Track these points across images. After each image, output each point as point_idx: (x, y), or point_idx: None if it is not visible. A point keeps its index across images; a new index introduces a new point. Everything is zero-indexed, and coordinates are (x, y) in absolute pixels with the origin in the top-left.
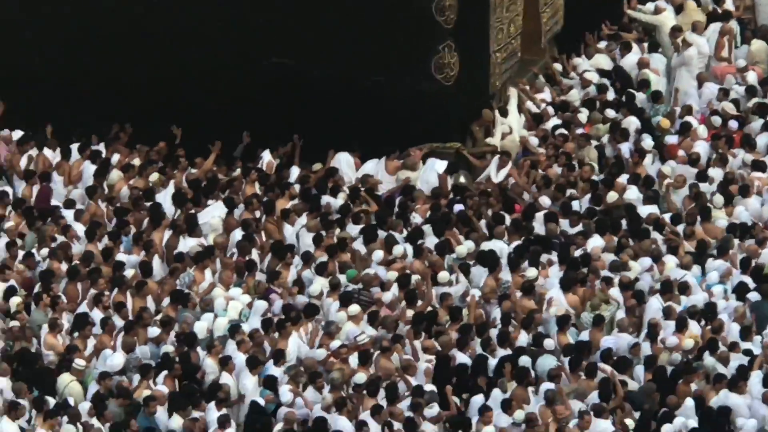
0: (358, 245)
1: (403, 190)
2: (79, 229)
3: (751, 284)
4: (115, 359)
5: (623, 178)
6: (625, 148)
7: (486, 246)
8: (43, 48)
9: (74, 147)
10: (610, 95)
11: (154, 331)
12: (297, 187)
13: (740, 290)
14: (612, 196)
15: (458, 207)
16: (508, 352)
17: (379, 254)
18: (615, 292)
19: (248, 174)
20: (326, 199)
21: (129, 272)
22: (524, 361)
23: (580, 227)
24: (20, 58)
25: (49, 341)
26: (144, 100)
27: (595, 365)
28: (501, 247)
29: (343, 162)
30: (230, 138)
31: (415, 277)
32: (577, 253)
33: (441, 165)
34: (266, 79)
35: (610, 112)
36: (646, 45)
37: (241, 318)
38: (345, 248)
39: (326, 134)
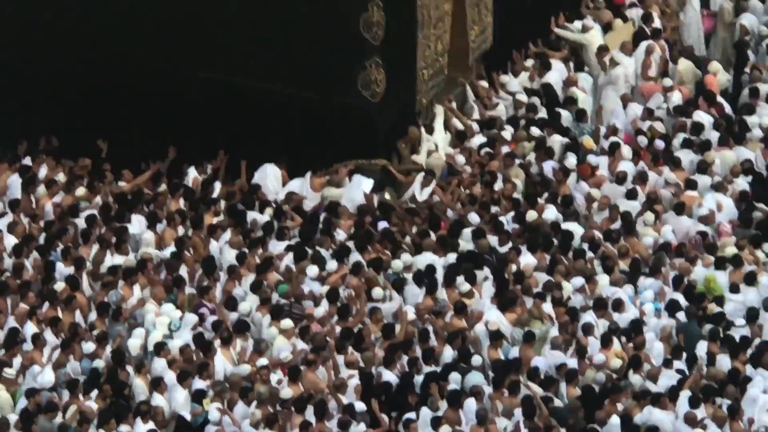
0: (287, 261)
1: (327, 207)
2: (9, 242)
3: (683, 302)
4: (46, 377)
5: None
6: (548, 166)
7: (418, 261)
8: None
9: None
10: (541, 114)
11: (89, 346)
12: (222, 203)
13: (672, 308)
14: (532, 215)
15: (382, 224)
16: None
17: (314, 269)
18: (547, 308)
19: (175, 189)
20: (252, 215)
21: (58, 286)
22: (454, 378)
23: (509, 245)
24: None
25: None
26: (70, 113)
27: (518, 382)
28: (432, 260)
29: (270, 174)
30: (156, 152)
31: (346, 292)
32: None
33: (368, 184)
34: (194, 93)
35: (535, 131)
36: (572, 64)
37: (171, 328)
38: (270, 267)
39: (253, 149)
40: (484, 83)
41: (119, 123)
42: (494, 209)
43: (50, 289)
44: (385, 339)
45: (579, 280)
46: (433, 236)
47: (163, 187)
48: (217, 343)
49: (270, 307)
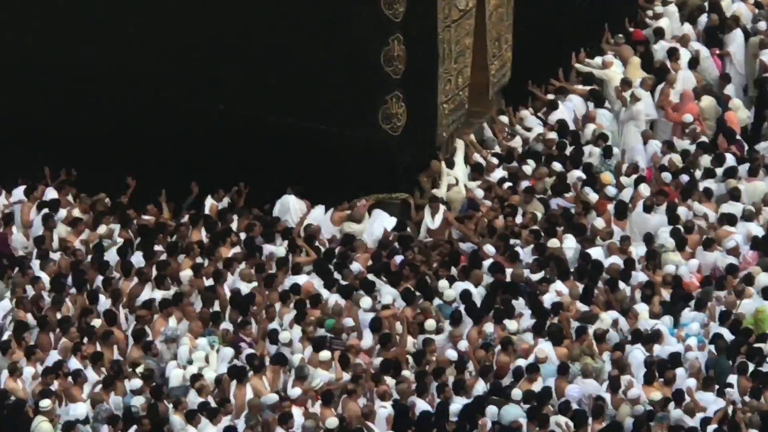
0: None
1: (342, 240)
2: (45, 279)
3: (728, 336)
4: (79, 409)
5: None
6: (564, 201)
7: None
8: None
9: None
10: (560, 148)
11: (135, 383)
12: (242, 235)
13: (716, 341)
14: (553, 243)
15: (399, 258)
16: (465, 399)
17: (367, 301)
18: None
19: (196, 221)
20: (269, 248)
21: (95, 321)
22: (491, 412)
23: (541, 274)
24: None
25: (9, 385)
26: (90, 145)
27: (547, 416)
28: (466, 288)
29: (292, 205)
30: (177, 185)
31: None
32: (548, 300)
33: (390, 222)
34: (215, 126)
35: (557, 165)
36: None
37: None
38: (318, 303)
39: (273, 182)
40: (504, 118)
41: (138, 156)
42: (513, 241)
43: (89, 325)
44: (417, 365)
45: (614, 313)
46: (454, 270)
47: (185, 218)
48: (250, 372)
49: (312, 339)
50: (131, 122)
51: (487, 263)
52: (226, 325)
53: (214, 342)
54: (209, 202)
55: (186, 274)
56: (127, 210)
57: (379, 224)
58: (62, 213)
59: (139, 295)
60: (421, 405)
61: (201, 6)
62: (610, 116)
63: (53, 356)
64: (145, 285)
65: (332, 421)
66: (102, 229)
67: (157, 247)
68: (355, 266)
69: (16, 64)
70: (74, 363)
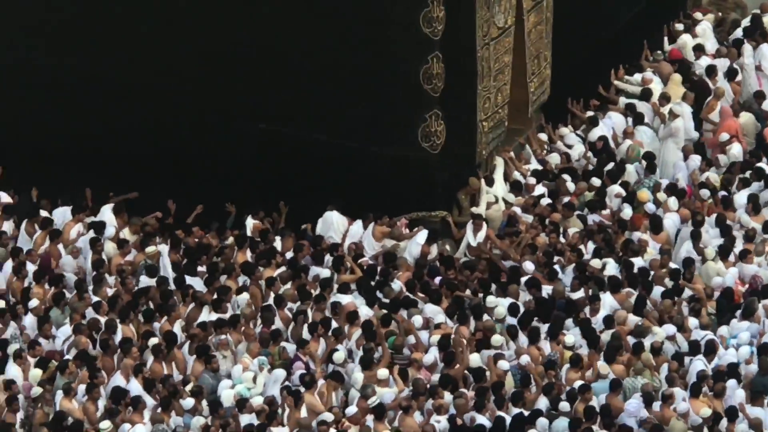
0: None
1: (384, 258)
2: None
3: None
4: (138, 431)
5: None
6: (599, 218)
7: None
8: (27, 111)
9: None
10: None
11: (189, 402)
12: (288, 255)
13: (765, 352)
14: (595, 263)
15: (437, 279)
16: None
17: (419, 319)
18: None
19: (242, 242)
20: (316, 270)
21: (152, 341)
22: (542, 423)
23: (581, 292)
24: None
25: (64, 405)
26: (131, 166)
27: (590, 430)
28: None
29: (335, 221)
30: (216, 203)
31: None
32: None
33: (422, 235)
34: (254, 144)
35: (596, 181)
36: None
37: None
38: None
39: (312, 201)
40: (543, 135)
41: (177, 176)
42: (556, 258)
43: (157, 346)
44: (477, 382)
45: (671, 328)
46: (493, 286)
47: (230, 240)
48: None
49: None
50: (171, 142)
51: (524, 279)
52: (287, 344)
53: (264, 363)
54: (251, 222)
55: (243, 297)
56: (175, 231)
57: (416, 244)
58: (109, 232)
59: (197, 319)
60: (480, 419)
61: (241, 26)
62: (650, 133)
63: (117, 379)
64: (202, 309)
65: None
66: (150, 249)
67: (200, 268)
68: (396, 284)
69: (63, 83)
70: (135, 384)
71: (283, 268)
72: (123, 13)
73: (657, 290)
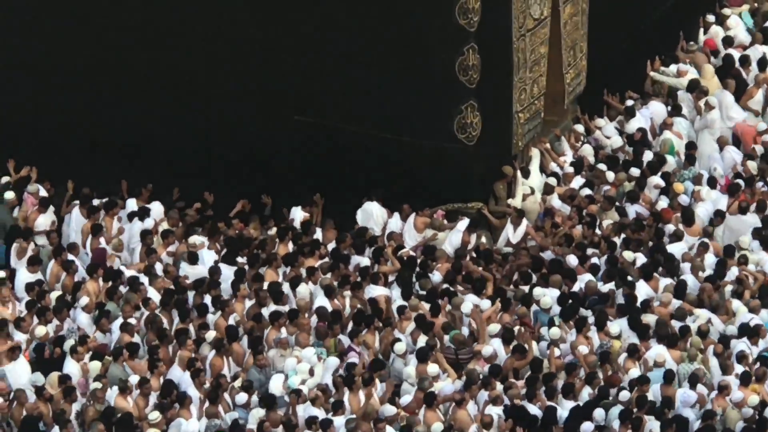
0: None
1: (424, 250)
2: (153, 294)
3: None
4: (191, 426)
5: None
6: (640, 208)
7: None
8: (60, 104)
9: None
10: (647, 156)
11: (242, 397)
12: (330, 246)
13: None
14: (628, 255)
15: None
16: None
17: (468, 306)
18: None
19: (284, 234)
20: (357, 259)
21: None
22: (599, 414)
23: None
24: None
25: (119, 404)
26: (167, 158)
27: (640, 419)
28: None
29: (375, 212)
30: (253, 196)
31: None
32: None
33: (463, 223)
34: (290, 137)
35: (635, 171)
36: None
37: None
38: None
39: (349, 193)
40: (579, 127)
41: (215, 167)
42: (591, 251)
43: (214, 340)
44: (533, 372)
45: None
46: (534, 277)
47: (273, 230)
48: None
49: (416, 352)
50: (208, 136)
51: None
52: (342, 336)
53: (322, 353)
54: (299, 213)
55: (303, 289)
56: (217, 223)
57: (457, 234)
58: (148, 223)
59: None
60: (532, 409)
61: (277, 19)
62: (686, 124)
63: (174, 371)
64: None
65: (438, 426)
66: (193, 239)
67: (240, 259)
68: (436, 276)
69: (97, 77)
70: (187, 377)
71: (325, 259)
72: (166, 3)
73: (690, 279)
